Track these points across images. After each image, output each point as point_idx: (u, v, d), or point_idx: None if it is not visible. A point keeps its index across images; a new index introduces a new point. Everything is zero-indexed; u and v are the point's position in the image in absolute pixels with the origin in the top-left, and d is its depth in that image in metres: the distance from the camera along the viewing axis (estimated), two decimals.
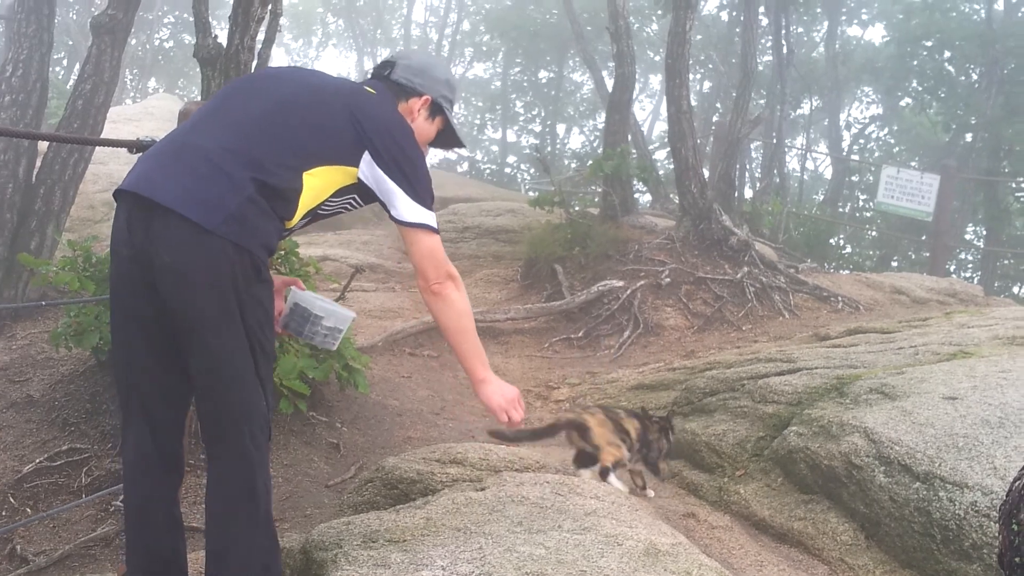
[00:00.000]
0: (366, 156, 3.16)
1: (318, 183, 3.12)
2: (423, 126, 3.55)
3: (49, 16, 10.13)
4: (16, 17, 10.11)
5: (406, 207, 3.20)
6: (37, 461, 5.50)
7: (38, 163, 9.81)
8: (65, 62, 27.49)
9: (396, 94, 3.48)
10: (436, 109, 3.56)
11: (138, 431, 3.17)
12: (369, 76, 3.67)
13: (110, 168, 15.81)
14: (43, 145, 10.08)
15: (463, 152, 38.03)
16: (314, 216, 3.27)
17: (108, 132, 10.48)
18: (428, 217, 3.26)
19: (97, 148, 10.49)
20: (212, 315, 2.93)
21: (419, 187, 3.24)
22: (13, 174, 9.47)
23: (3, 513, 5.06)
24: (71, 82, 19.17)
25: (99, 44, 9.90)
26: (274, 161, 3.02)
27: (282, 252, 6.87)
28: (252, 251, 2.94)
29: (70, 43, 26.27)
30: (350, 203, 3.33)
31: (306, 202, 3.11)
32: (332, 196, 3.21)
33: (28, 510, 5.12)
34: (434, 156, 36.35)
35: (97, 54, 9.88)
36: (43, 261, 7.21)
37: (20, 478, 5.33)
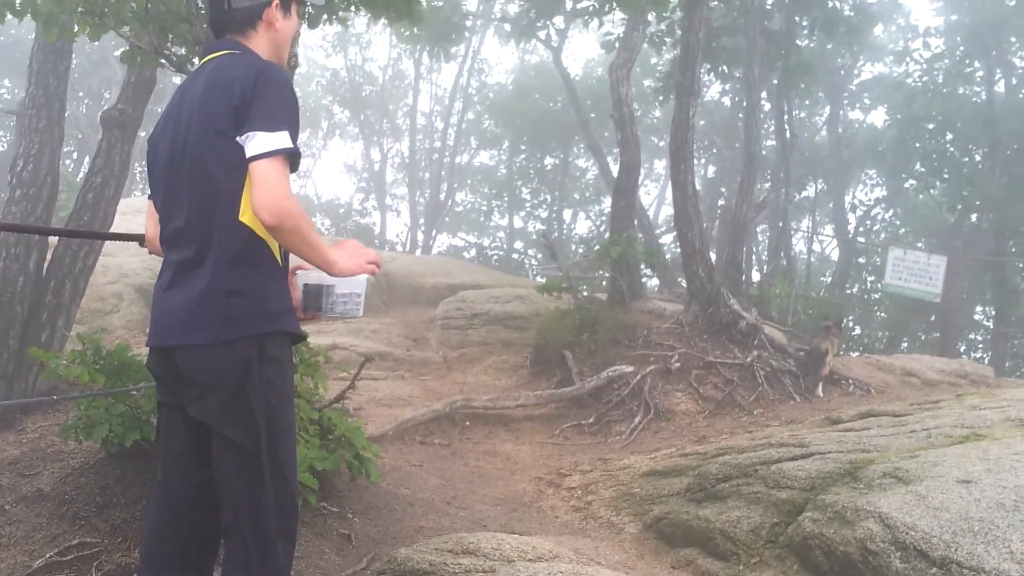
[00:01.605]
0: (240, 139, 3.08)
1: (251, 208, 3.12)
2: (285, 27, 3.49)
3: (60, 111, 10.24)
4: (27, 112, 10.21)
5: (255, 144, 3.04)
6: (47, 556, 5.45)
7: (48, 256, 9.88)
8: (75, 155, 27.82)
9: (246, 25, 3.41)
10: (285, 3, 3.49)
11: (161, 523, 3.36)
12: (215, 37, 3.51)
13: (120, 260, 15.93)
14: (54, 238, 10.16)
15: (469, 239, 38.24)
16: None
17: (118, 224, 10.57)
18: (275, 141, 3.05)
19: (107, 241, 10.58)
20: (220, 412, 3.14)
21: (269, 117, 3.09)
22: (24, 267, 9.51)
23: None
24: (81, 175, 19.40)
25: (109, 138, 10.01)
26: (217, 240, 3.14)
27: (299, 346, 6.88)
28: (253, 336, 3.11)
29: (80, 136, 26.62)
30: None
31: (265, 232, 3.15)
32: None
33: None
34: (440, 244, 36.52)
35: (107, 148, 9.98)
36: (53, 355, 7.22)
37: (30, 573, 5.29)
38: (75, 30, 7.85)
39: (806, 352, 12.83)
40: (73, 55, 10.83)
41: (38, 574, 5.31)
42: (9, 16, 7.74)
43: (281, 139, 3.05)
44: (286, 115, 3.11)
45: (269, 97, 3.11)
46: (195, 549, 3.35)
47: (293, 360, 3.26)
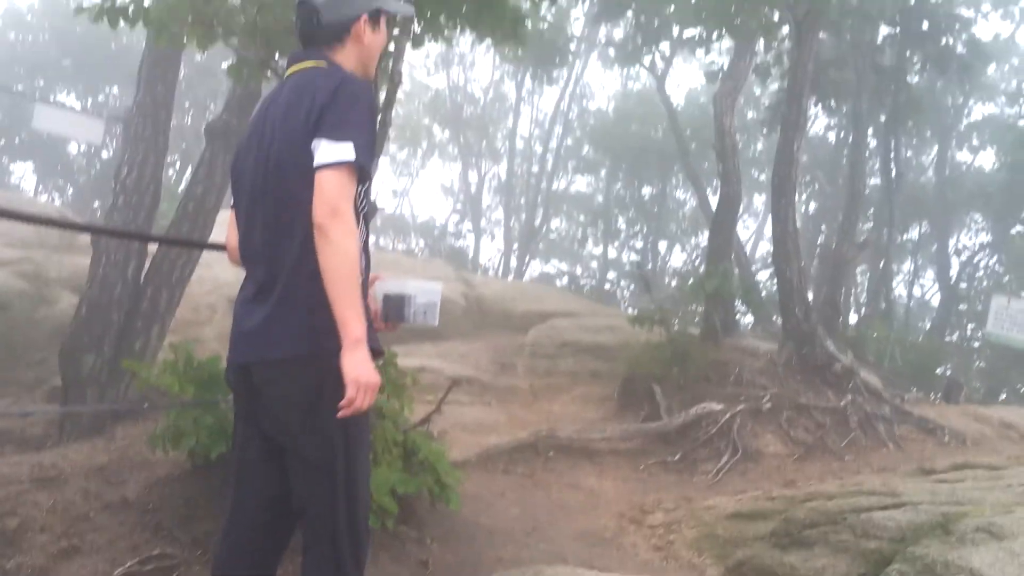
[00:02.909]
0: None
1: None
2: (372, 40, 3.46)
3: (166, 120, 10.44)
4: (134, 120, 10.43)
5: (320, 153, 3.05)
6: (127, 564, 5.49)
7: (147, 264, 10.04)
8: (178, 164, 28.28)
9: (333, 39, 3.39)
10: (375, 16, 3.44)
11: (233, 534, 3.38)
12: (302, 45, 3.49)
13: (215, 271, 16.13)
14: (153, 246, 10.33)
15: (562, 266, 38.11)
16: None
17: (217, 235, 10.69)
18: (339, 152, 3.04)
19: (205, 251, 10.74)
20: (296, 428, 3.17)
21: (338, 127, 3.08)
22: (122, 274, 9.69)
23: None
24: (183, 185, 19.78)
25: (212, 148, 10.18)
26: (296, 254, 3.13)
27: (379, 363, 6.89)
28: (330, 351, 3.02)
29: (184, 146, 27.07)
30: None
31: None
32: None
33: None
34: (532, 271, 36.47)
35: (210, 158, 10.15)
36: (145, 364, 7.33)
37: None
38: (184, 40, 7.98)
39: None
40: (181, 65, 11.04)
41: None
42: (121, 24, 7.89)
43: (345, 150, 3.03)
44: (357, 127, 3.09)
45: (341, 107, 3.11)
46: (263, 561, 3.37)
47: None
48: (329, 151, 3.03)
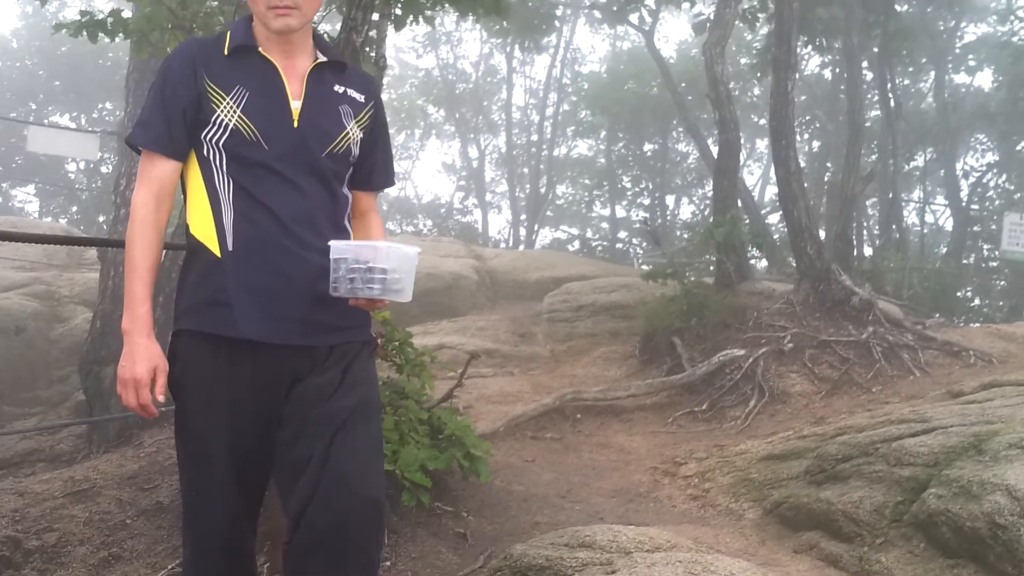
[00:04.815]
0: None
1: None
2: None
3: None
4: (127, 131, 10.42)
5: None
6: (169, 567, 5.51)
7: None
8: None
9: None
10: None
11: None
12: None
13: None
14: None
15: (572, 231, 38.00)
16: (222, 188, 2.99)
17: None
18: (131, 137, 2.90)
19: None
20: None
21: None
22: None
23: None
24: None
25: None
26: None
27: (396, 343, 6.90)
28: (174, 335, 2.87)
29: None
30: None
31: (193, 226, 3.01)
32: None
33: None
34: (543, 239, 36.40)
35: None
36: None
37: None
38: (166, 47, 7.94)
39: None
40: None
41: None
42: (104, 39, 7.87)
43: (130, 136, 2.92)
44: (144, 105, 2.94)
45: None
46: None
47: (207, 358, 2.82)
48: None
